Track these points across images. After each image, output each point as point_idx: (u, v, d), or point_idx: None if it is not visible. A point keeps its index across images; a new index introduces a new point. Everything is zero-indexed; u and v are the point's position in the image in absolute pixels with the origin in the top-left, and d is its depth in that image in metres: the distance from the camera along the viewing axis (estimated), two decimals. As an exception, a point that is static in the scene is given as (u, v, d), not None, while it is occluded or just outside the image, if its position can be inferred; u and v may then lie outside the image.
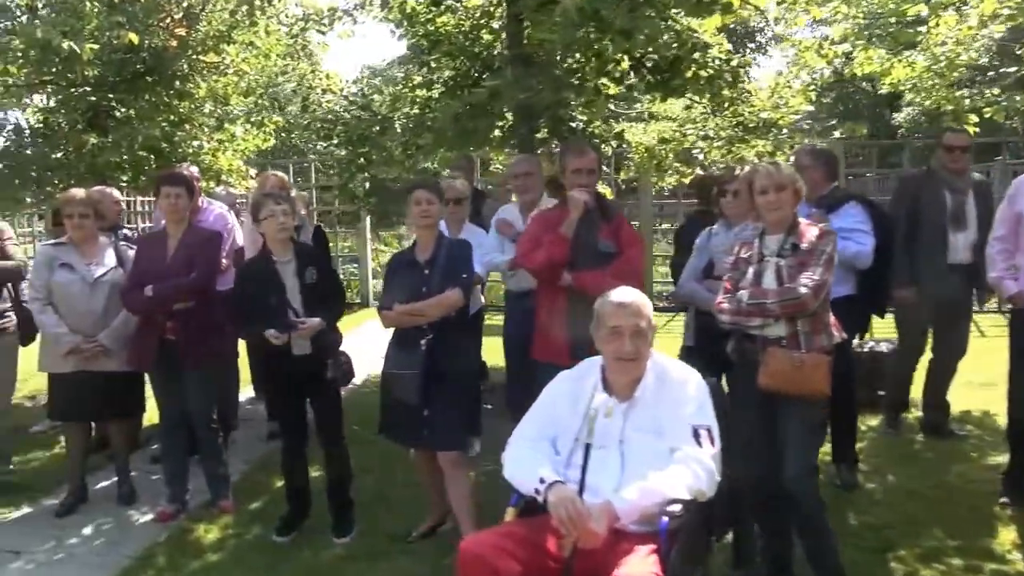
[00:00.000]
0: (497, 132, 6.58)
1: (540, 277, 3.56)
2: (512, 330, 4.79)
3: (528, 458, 2.42)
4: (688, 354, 3.85)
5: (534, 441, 2.51)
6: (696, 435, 2.34)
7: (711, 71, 4.69)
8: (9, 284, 4.55)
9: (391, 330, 3.68)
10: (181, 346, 3.99)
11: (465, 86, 6.57)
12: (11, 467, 4.72)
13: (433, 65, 6.80)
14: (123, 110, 6.15)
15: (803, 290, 2.91)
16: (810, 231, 3.06)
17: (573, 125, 6.06)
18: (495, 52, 6.56)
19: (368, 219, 10.79)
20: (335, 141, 6.03)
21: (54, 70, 5.86)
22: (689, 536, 2.21)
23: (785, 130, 5.55)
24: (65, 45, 5.00)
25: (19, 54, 5.55)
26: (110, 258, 4.22)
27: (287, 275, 3.73)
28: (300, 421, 3.90)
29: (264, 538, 3.89)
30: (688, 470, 2.26)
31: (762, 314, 3.01)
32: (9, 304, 4.54)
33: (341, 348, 3.83)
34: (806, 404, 3.00)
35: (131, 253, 4.31)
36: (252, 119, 6.79)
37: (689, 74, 4.75)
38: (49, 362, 4.15)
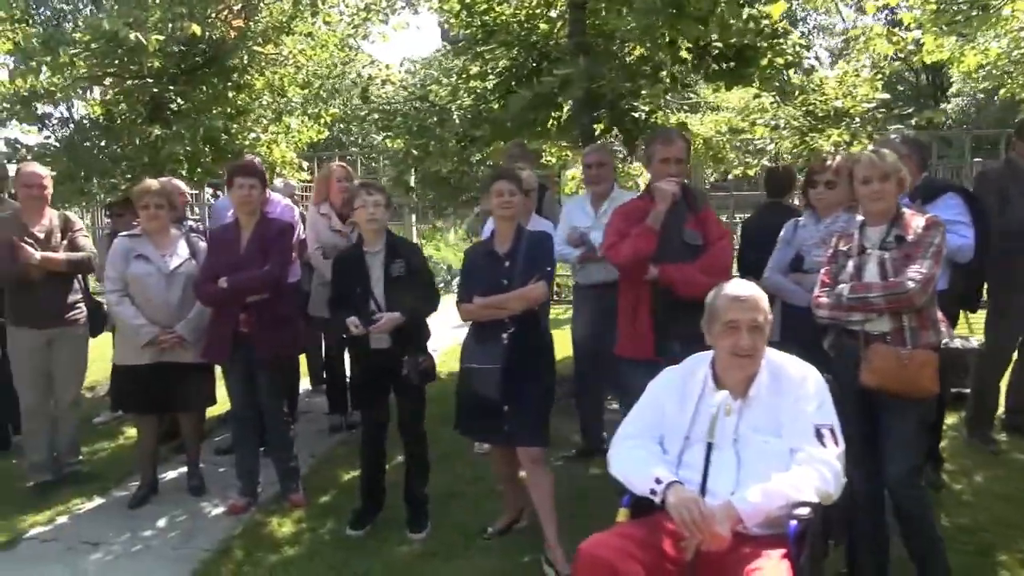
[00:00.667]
0: (551, 123, 6.53)
1: (625, 271, 3.46)
2: (580, 323, 4.71)
3: (639, 457, 2.34)
4: (773, 349, 3.74)
5: (641, 440, 2.42)
6: (819, 435, 2.24)
7: (788, 58, 4.54)
8: (79, 275, 4.57)
9: (447, 322, 3.61)
10: (254, 338, 3.96)
11: (521, 76, 6.51)
12: (80, 458, 4.73)
13: (488, 56, 6.71)
14: (181, 102, 6.15)
15: (911, 284, 2.79)
16: (915, 221, 2.93)
17: (635, 115, 5.95)
18: (551, 42, 6.47)
19: (413, 212, 10.76)
20: (393, 132, 5.97)
21: (116, 62, 5.86)
22: (815, 540, 2.12)
23: (857, 119, 5.38)
24: (132, 37, 5.00)
25: (82, 46, 5.56)
26: (183, 249, 4.21)
27: (374, 266, 3.69)
28: (380, 413, 3.86)
29: (338, 532, 3.86)
30: (814, 472, 2.16)
31: (865, 309, 2.89)
32: (80, 295, 4.55)
33: (425, 346, 3.77)
34: (912, 403, 2.88)
35: (202, 244, 4.29)
36: (309, 111, 6.75)
37: (764, 62, 4.61)
38: (125, 354, 4.15)
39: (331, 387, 5.52)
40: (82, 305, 4.55)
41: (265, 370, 4.04)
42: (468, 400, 3.55)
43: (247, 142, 6.50)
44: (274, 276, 3.97)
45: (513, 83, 6.47)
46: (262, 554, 3.66)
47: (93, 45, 5.43)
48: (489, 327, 3.47)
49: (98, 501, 4.35)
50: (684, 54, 5.18)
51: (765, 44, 4.52)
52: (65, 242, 4.42)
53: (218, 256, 4.02)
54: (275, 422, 4.17)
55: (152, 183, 4.19)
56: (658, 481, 2.20)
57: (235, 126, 6.39)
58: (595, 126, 5.99)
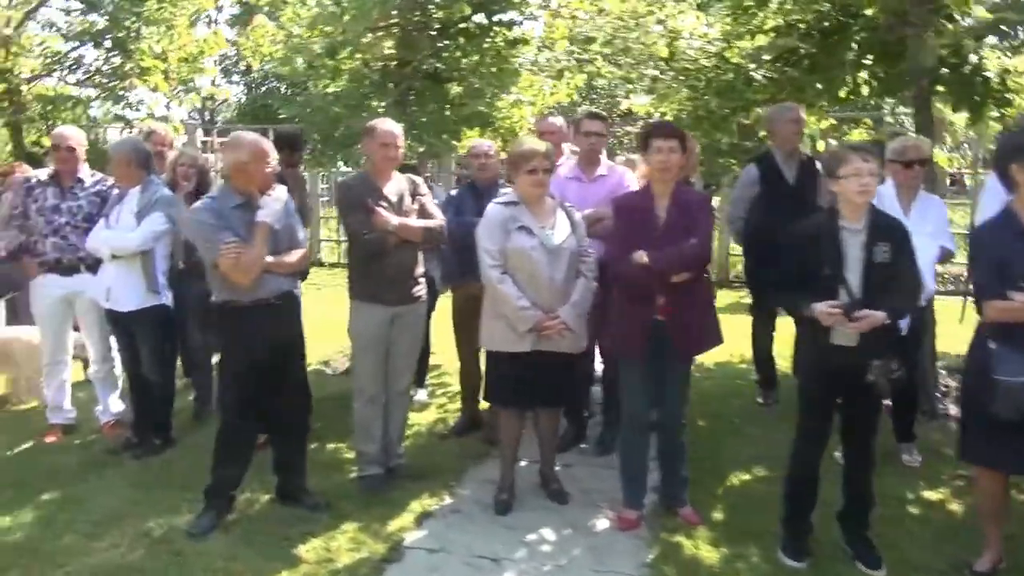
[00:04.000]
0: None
1: None
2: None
3: None
4: None
5: None
6: None
7: None
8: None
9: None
10: (672, 328, 3.36)
11: (811, 32, 5.76)
12: (401, 451, 4.23)
13: (766, 14, 5.96)
14: (454, 56, 5.59)
15: None
16: None
17: (987, 75, 5.13)
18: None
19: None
20: (699, 93, 5.28)
21: (395, 11, 5.33)
22: None
23: None
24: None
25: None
26: (563, 221, 3.63)
27: (852, 245, 3.02)
28: (825, 424, 3.22)
29: (772, 560, 3.25)
30: None
31: None
32: (423, 268, 4.03)
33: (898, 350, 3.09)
34: None
35: (577, 216, 3.71)
36: (585, 68, 6.07)
37: None
38: (501, 339, 3.58)
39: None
40: (424, 280, 4.03)
41: (678, 367, 3.45)
42: (991, 420, 2.88)
43: (507, 103, 5.90)
44: (704, 253, 3.35)
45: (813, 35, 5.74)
46: (711, 586, 3.09)
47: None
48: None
49: (448, 501, 3.85)
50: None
51: None
52: (416, 207, 3.89)
53: (632, 228, 3.41)
54: (675, 427, 3.58)
55: (538, 143, 3.61)
56: None
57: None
58: (935, 88, 5.22)
